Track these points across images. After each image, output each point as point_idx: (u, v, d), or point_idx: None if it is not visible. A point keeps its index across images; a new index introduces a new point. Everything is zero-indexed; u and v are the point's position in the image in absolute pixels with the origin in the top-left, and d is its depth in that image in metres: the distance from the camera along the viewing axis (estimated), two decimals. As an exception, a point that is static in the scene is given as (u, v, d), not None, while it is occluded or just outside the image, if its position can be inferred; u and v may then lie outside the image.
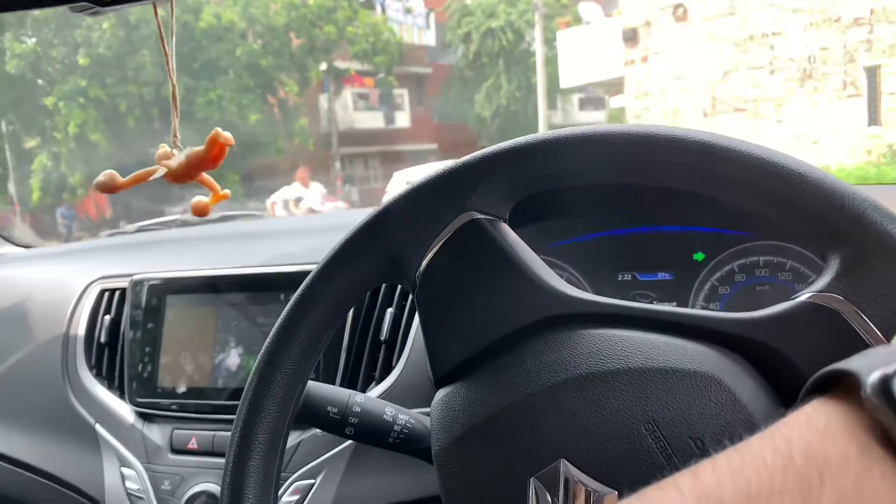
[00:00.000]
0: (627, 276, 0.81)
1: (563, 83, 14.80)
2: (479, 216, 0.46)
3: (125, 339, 0.94)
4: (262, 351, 0.50)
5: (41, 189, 11.61)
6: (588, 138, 0.44)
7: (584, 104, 18.16)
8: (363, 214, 0.51)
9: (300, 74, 13.89)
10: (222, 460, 0.49)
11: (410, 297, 0.82)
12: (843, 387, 0.26)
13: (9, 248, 1.34)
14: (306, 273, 0.83)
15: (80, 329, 1.00)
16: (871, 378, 0.24)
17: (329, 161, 15.78)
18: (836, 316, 0.38)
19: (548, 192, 0.46)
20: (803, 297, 0.40)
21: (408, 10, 16.99)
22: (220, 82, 12.91)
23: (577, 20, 14.82)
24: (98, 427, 0.95)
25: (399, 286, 0.83)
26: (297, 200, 7.10)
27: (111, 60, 12.04)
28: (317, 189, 7.81)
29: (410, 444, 0.56)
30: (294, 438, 0.81)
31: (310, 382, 0.54)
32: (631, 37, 12.50)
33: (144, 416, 0.93)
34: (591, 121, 17.22)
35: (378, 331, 0.82)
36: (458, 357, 0.47)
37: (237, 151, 13.29)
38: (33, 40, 12.06)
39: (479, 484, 0.45)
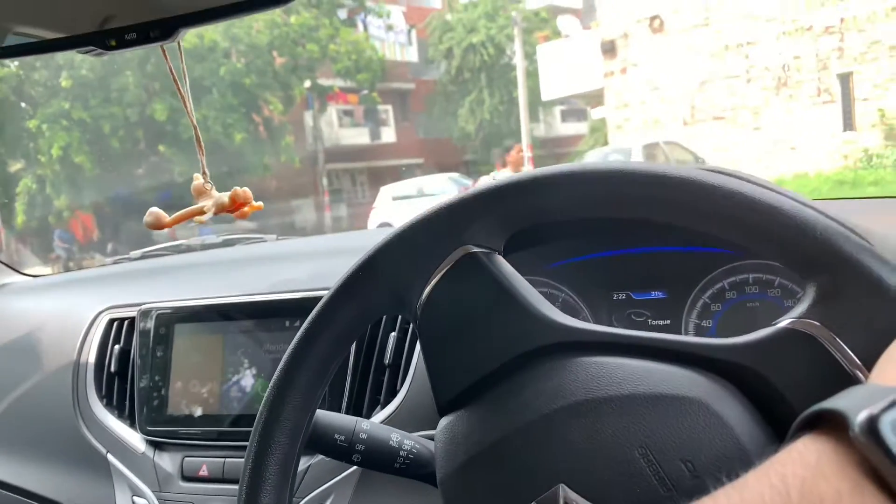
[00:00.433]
0: (622, 296, 0.83)
1: (545, 96, 14.92)
2: (476, 249, 0.48)
3: (135, 368, 0.95)
4: (271, 383, 0.52)
5: (25, 212, 11.53)
6: (575, 176, 0.46)
7: (566, 116, 18.25)
8: (361, 236, 0.55)
9: (284, 92, 13.88)
10: (233, 487, 0.51)
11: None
12: (831, 424, 0.26)
13: (14, 278, 1.34)
14: (311, 300, 0.85)
15: (90, 359, 1.01)
16: (859, 418, 0.25)
17: (316, 178, 15.78)
18: (814, 341, 0.40)
19: (541, 223, 0.49)
20: (783, 322, 0.42)
21: (389, 28, 17.06)
22: (205, 102, 12.87)
23: (556, 34, 14.99)
24: (109, 456, 0.95)
25: None
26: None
27: (94, 82, 11.99)
28: None
29: (416, 469, 0.56)
30: (302, 464, 0.81)
31: (317, 411, 0.55)
32: (609, 49, 12.63)
33: (155, 445, 0.93)
34: (574, 132, 17.34)
35: (382, 355, 0.83)
36: (459, 385, 0.48)
37: (224, 171, 13.25)
38: (15, 63, 12.02)
39: None
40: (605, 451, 0.43)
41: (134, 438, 0.95)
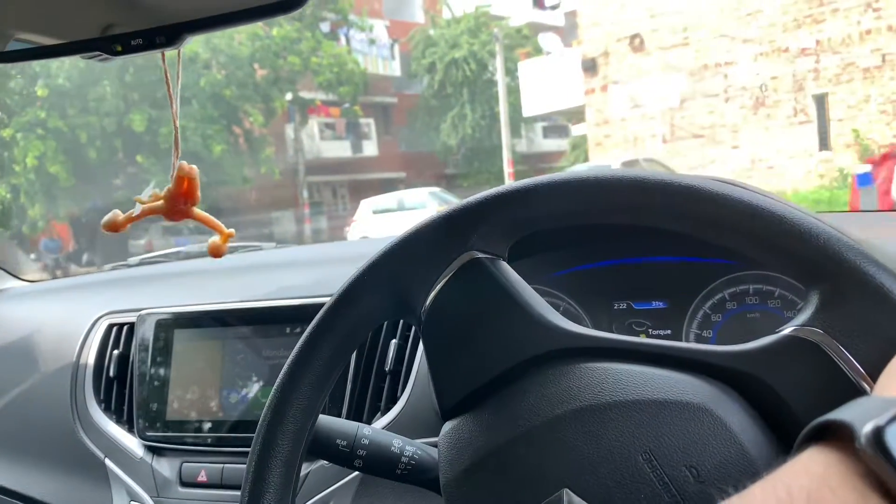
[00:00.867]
0: (623, 305, 0.83)
1: (526, 112, 15.07)
2: (480, 255, 0.49)
3: (134, 373, 0.95)
4: (273, 388, 0.52)
5: (-1, 222, 11.32)
6: (579, 183, 0.47)
7: (547, 132, 18.46)
8: (361, 245, 0.54)
9: (265, 105, 13.85)
10: (232, 493, 0.50)
11: (414, 328, 0.82)
12: (837, 436, 0.27)
13: (14, 283, 1.34)
14: (312, 306, 0.85)
15: (89, 364, 1.01)
16: (865, 429, 0.25)
17: (296, 190, 15.73)
18: (817, 348, 0.40)
19: (544, 230, 0.49)
20: (786, 330, 0.42)
21: (371, 42, 17.14)
22: (184, 113, 12.80)
23: (538, 51, 15.16)
24: (107, 461, 0.95)
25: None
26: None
27: (71, 91, 11.86)
28: None
29: (418, 475, 0.56)
30: (303, 469, 0.80)
31: (319, 416, 0.55)
32: (590, 66, 12.80)
33: (154, 450, 0.93)
34: (556, 148, 17.50)
35: (383, 362, 0.83)
36: (462, 390, 0.49)
37: (202, 182, 13.12)
38: (-10, 71, 11.85)
39: None
40: (609, 456, 0.43)
41: (132, 444, 0.95)
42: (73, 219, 11.74)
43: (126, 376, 0.98)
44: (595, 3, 12.61)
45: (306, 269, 1.08)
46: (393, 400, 0.81)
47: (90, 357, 1.01)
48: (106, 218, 0.56)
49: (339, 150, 17.15)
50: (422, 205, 11.77)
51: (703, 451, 0.41)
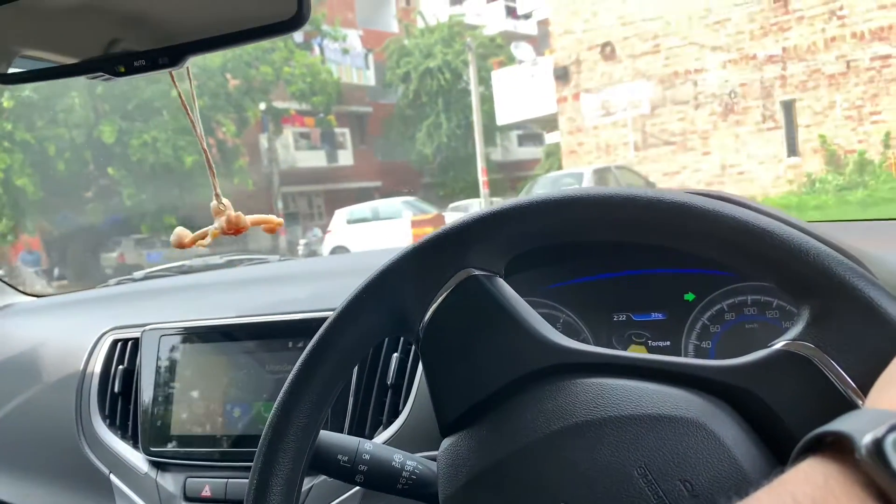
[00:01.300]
0: (622, 317, 0.83)
1: (500, 120, 15.14)
2: (477, 272, 0.50)
3: (138, 388, 0.95)
4: (275, 404, 0.53)
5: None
6: (572, 201, 0.48)
7: (523, 140, 18.55)
8: (364, 258, 0.54)
9: (238, 115, 13.75)
10: None
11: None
12: (835, 447, 0.28)
13: (18, 298, 1.35)
14: (314, 321, 0.85)
15: (94, 379, 1.01)
16: (865, 440, 0.26)
17: (271, 200, 15.61)
18: (809, 363, 0.41)
19: (541, 247, 0.50)
20: (778, 344, 0.43)
21: (345, 51, 17.12)
22: (155, 123, 12.67)
23: (511, 59, 15.25)
24: (112, 476, 0.95)
25: None
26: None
27: (38, 102, 11.67)
28: None
29: (419, 490, 0.57)
30: (305, 484, 0.80)
31: (321, 431, 0.55)
32: (562, 75, 12.90)
33: (158, 465, 0.93)
34: (531, 156, 17.61)
35: (385, 375, 0.83)
36: (461, 406, 0.50)
37: (175, 194, 13.00)
38: (-46, 83, 11.58)
39: None
40: (605, 471, 0.44)
41: (137, 459, 0.95)
42: (44, 232, 11.53)
43: (131, 391, 0.98)
44: (566, 11, 12.73)
45: (310, 282, 1.09)
46: (395, 414, 0.82)
47: (95, 372, 1.02)
48: (174, 237, 0.61)
49: (315, 159, 17.07)
50: (396, 214, 11.75)
51: (697, 465, 0.42)
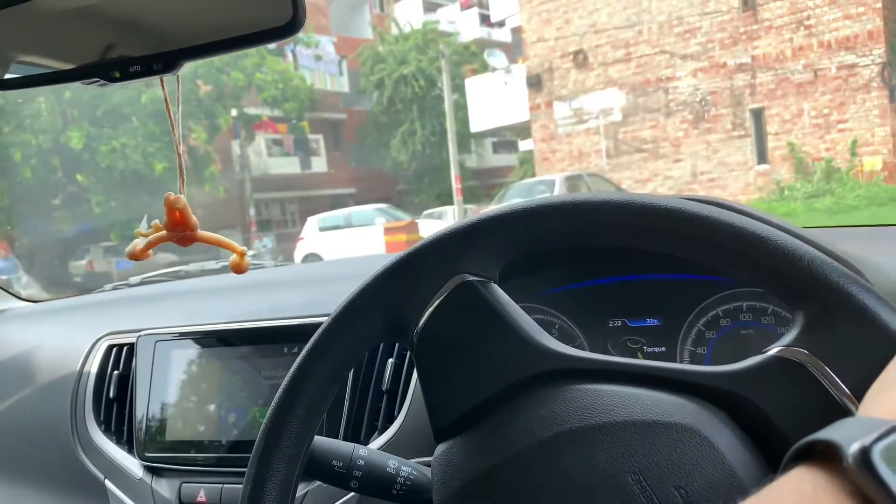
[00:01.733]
0: (618, 323, 0.83)
1: (474, 127, 15.20)
2: (471, 278, 0.49)
3: (134, 394, 0.95)
4: (269, 410, 0.52)
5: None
6: (566, 206, 0.48)
7: (497, 147, 18.65)
8: (358, 264, 0.53)
9: (209, 121, 13.63)
10: None
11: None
12: (824, 456, 0.28)
13: (14, 303, 1.34)
14: (309, 326, 0.84)
15: (89, 385, 1.01)
16: (852, 449, 0.26)
17: (243, 207, 15.47)
18: (803, 369, 0.41)
19: (535, 252, 0.50)
20: (773, 350, 0.43)
21: (318, 58, 17.06)
22: (124, 130, 12.49)
23: (485, 67, 15.33)
24: (107, 482, 0.95)
25: None
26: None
27: (4, 107, 11.44)
28: None
29: (414, 496, 0.56)
30: (300, 490, 0.81)
31: (315, 437, 0.55)
32: (535, 82, 13.01)
33: (153, 471, 0.93)
34: (506, 163, 17.70)
35: (380, 381, 0.83)
36: (455, 412, 0.49)
37: (145, 201, 12.82)
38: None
39: None
40: (599, 477, 0.43)
41: (132, 464, 0.95)
42: (11, 240, 11.28)
43: (126, 397, 0.98)
44: (539, 19, 12.85)
45: (304, 288, 1.09)
46: (390, 419, 0.81)
47: (90, 378, 1.01)
48: (128, 248, 0.60)
49: (288, 166, 16.98)
50: (369, 221, 11.72)
51: (691, 472, 0.42)
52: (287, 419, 0.51)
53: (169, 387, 0.93)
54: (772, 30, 10.38)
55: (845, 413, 0.39)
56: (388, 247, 9.75)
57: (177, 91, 0.60)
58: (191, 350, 0.93)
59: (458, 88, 15.27)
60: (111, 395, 0.99)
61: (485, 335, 0.49)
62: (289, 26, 0.49)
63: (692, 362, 0.79)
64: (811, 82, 10.09)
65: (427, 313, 0.50)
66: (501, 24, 17.73)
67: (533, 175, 13.24)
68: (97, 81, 0.54)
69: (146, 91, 12.62)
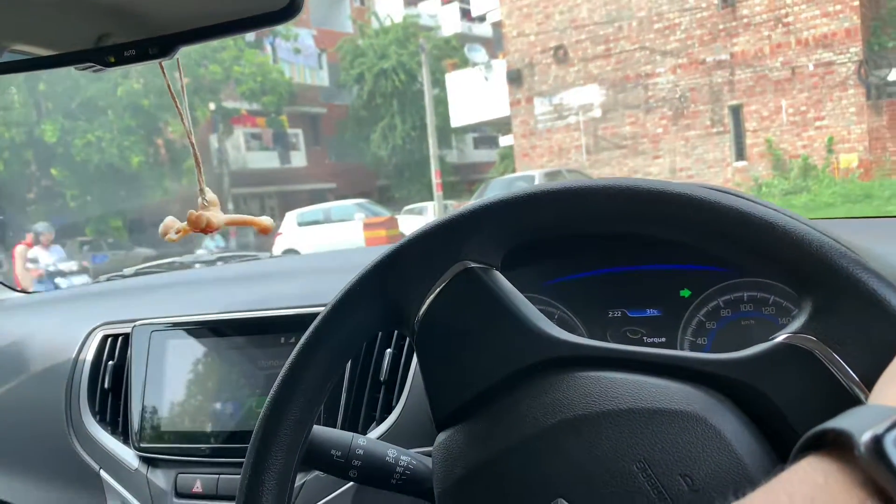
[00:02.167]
0: (618, 313, 0.83)
1: (454, 122, 15.19)
2: (473, 265, 0.49)
3: (129, 384, 0.94)
4: (267, 400, 0.51)
5: None
6: (569, 192, 0.47)
7: (478, 143, 18.67)
8: (356, 254, 0.52)
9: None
10: None
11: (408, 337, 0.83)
12: (835, 445, 0.27)
13: (9, 294, 1.34)
14: (306, 316, 0.82)
15: (84, 376, 1.00)
16: (864, 438, 0.26)
17: (221, 202, 15.31)
18: (811, 356, 0.40)
19: (538, 239, 0.49)
20: (780, 337, 0.42)
21: (297, 51, 16.92)
22: (100, 123, 12.30)
23: (466, 62, 15.31)
24: (102, 473, 0.95)
25: None
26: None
27: (-26, 100, 11.23)
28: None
29: (413, 486, 0.56)
30: (298, 480, 0.80)
31: (314, 426, 0.55)
32: (515, 77, 13.02)
33: (148, 461, 0.92)
34: (487, 159, 17.72)
35: (378, 371, 0.82)
36: (456, 400, 0.49)
37: (121, 196, 12.65)
38: None
39: None
40: (603, 465, 0.43)
41: (127, 455, 0.94)
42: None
43: (121, 387, 0.97)
44: (519, 14, 12.85)
45: (301, 278, 1.08)
46: (388, 409, 0.81)
47: (85, 368, 1.01)
48: (161, 228, 0.61)
49: (267, 160, 16.85)
50: (349, 216, 11.67)
51: (697, 460, 0.41)
52: (286, 408, 0.51)
53: (164, 377, 0.91)
54: (750, 27, 10.48)
55: (854, 401, 0.38)
56: (368, 242, 9.71)
57: (180, 81, 0.59)
58: (186, 340, 0.92)
59: (439, 83, 15.24)
60: (106, 385, 0.98)
61: (487, 322, 0.48)
62: (285, 11, 0.48)
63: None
64: (789, 80, 10.21)
65: (428, 301, 0.49)
66: (482, 18, 17.72)
67: (513, 171, 13.26)
68: (92, 66, 0.53)
69: (122, 83, 12.44)
